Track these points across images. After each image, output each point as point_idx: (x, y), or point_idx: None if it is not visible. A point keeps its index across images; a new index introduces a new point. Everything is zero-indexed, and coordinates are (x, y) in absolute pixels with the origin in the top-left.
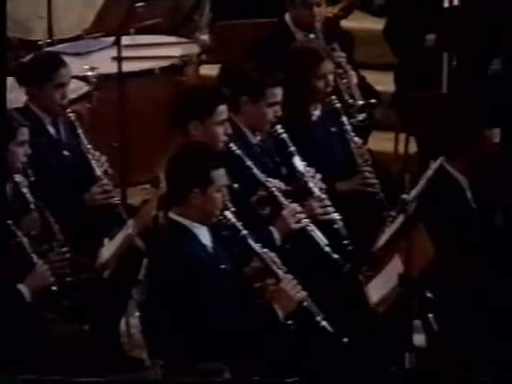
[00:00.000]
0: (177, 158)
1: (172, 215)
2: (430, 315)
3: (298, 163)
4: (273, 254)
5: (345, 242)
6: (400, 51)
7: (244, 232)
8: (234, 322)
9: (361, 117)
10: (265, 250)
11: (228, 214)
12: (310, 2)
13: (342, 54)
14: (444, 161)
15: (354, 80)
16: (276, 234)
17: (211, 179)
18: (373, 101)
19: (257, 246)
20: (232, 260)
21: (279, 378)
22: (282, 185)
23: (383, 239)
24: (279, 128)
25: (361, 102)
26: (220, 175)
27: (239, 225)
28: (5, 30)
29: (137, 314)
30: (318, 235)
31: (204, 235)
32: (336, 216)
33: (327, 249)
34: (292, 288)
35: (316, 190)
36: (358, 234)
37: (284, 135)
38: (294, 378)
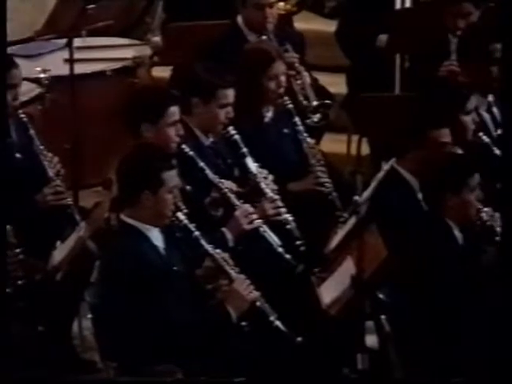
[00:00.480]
0: (128, 159)
1: (124, 217)
2: (383, 316)
3: (251, 164)
4: (225, 255)
5: (297, 242)
6: (352, 53)
7: (196, 233)
8: (187, 322)
9: (316, 117)
10: (217, 250)
11: (180, 215)
12: (262, 3)
13: (295, 55)
14: (395, 162)
15: (308, 81)
16: (229, 235)
17: (162, 181)
18: (327, 101)
19: (209, 247)
20: (185, 261)
21: (229, 378)
22: (234, 186)
23: (336, 240)
24: (231, 129)
25: (315, 103)
26: (171, 177)
27: (192, 226)
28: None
29: (89, 316)
30: (271, 236)
31: (156, 237)
32: (288, 217)
33: (280, 250)
34: (245, 288)
35: (268, 191)
36: (310, 234)
37: (236, 136)
38: (242, 378)
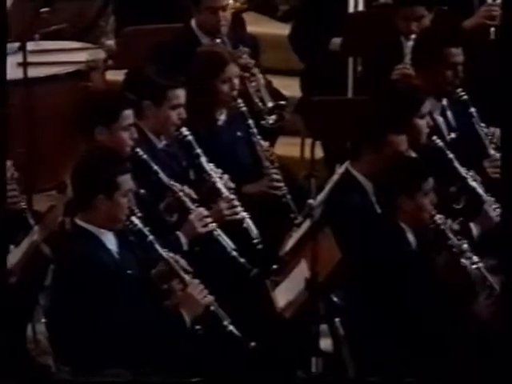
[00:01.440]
0: (82, 163)
1: (78, 221)
2: (337, 319)
3: (206, 164)
4: (180, 259)
5: (255, 241)
6: (305, 56)
7: (151, 237)
8: (141, 325)
9: (271, 119)
10: (171, 254)
11: (134, 219)
12: (216, 6)
13: (249, 58)
14: (350, 165)
15: (262, 83)
16: (183, 239)
17: (117, 185)
18: (282, 102)
19: (163, 251)
20: (139, 265)
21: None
22: (189, 189)
23: (290, 244)
24: (185, 130)
25: (270, 104)
26: (126, 180)
27: (146, 230)
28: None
29: (43, 320)
30: (225, 239)
31: (110, 240)
32: (245, 215)
33: (234, 253)
34: (199, 292)
35: (225, 191)
36: (264, 237)
37: (190, 137)
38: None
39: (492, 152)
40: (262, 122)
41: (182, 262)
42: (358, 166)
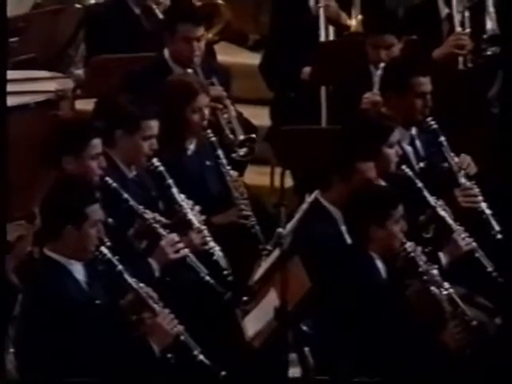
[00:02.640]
0: (51, 193)
1: (47, 251)
2: (306, 348)
3: (177, 195)
4: (149, 289)
5: (225, 272)
6: (276, 85)
7: (120, 267)
8: (110, 356)
9: (242, 152)
10: (141, 285)
11: (104, 249)
12: (191, 36)
13: (221, 89)
14: (319, 194)
15: (234, 114)
16: (155, 265)
17: (85, 215)
18: (253, 135)
19: (133, 281)
20: (108, 294)
21: None
22: (159, 216)
23: (259, 273)
24: (156, 161)
25: (242, 137)
26: (95, 210)
27: (115, 260)
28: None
29: (11, 350)
30: (198, 265)
31: (79, 271)
32: (215, 247)
33: (207, 278)
34: (168, 322)
35: (195, 222)
36: (234, 267)
37: (161, 168)
38: None
39: (463, 181)
40: (233, 155)
41: (151, 291)
42: (327, 195)
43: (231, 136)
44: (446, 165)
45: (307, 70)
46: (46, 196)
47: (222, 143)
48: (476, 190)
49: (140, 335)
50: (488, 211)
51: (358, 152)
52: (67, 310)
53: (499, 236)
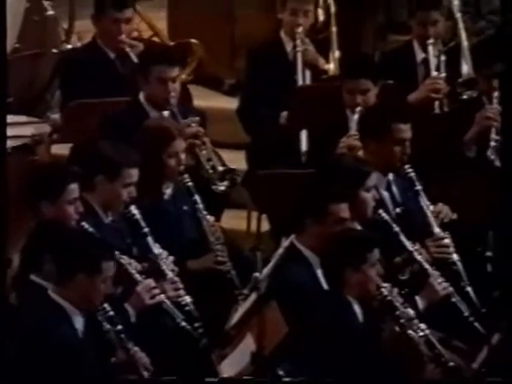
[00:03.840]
0: (28, 241)
1: (51, 293)
2: None
3: (152, 245)
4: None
5: (196, 324)
6: (252, 129)
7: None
8: None
9: (223, 185)
10: (136, 348)
11: (107, 306)
12: (166, 77)
13: (199, 126)
14: (295, 238)
15: (212, 149)
16: (131, 311)
17: (101, 269)
18: (233, 167)
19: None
20: (101, 347)
21: None
22: (136, 263)
23: (236, 317)
24: (133, 209)
25: (221, 169)
26: (110, 268)
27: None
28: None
29: None
30: (174, 310)
31: (79, 321)
32: (187, 299)
33: (183, 323)
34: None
35: (169, 273)
36: (209, 312)
37: (138, 216)
38: None
39: (437, 230)
40: (213, 187)
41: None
42: (302, 239)
43: (211, 171)
44: (421, 213)
45: (285, 114)
46: (26, 243)
47: (203, 179)
48: (448, 241)
49: None
50: (459, 263)
51: (330, 194)
52: (61, 356)
53: (468, 288)
